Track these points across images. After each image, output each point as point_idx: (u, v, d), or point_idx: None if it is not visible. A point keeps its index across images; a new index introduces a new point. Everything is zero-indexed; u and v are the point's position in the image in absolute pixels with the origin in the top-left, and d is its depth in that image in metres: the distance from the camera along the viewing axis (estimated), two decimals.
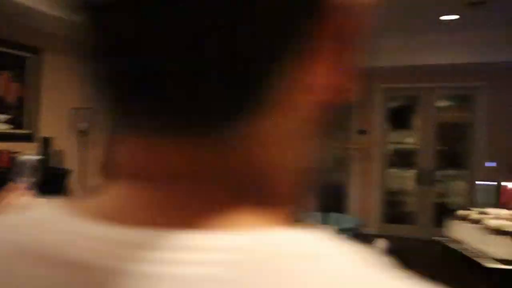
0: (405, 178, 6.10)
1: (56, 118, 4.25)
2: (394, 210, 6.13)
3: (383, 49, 4.44)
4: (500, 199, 3.97)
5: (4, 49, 3.84)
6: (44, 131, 4.08)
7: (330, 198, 6.06)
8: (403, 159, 6.13)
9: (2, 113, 3.78)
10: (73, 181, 4.15)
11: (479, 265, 2.35)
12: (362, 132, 5.73)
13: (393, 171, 6.14)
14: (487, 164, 5.37)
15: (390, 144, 6.15)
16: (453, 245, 2.75)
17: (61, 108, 4.24)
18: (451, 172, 5.92)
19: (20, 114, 4.01)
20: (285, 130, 0.25)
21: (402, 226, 5.92)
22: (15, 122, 3.90)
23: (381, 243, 2.71)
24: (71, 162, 4.30)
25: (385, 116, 6.07)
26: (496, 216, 2.61)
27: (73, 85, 3.98)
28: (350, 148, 5.69)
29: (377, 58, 5.45)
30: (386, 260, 0.23)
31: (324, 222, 5.38)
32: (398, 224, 5.96)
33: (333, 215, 5.97)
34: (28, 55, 4.03)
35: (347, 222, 5.80)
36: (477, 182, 4.76)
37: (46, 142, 3.96)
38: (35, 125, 4.03)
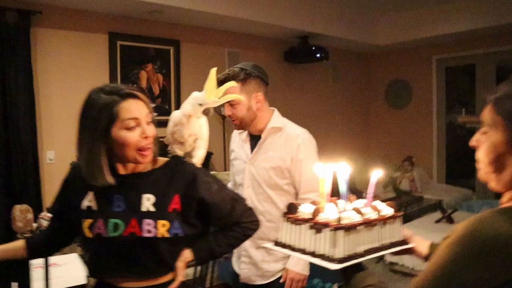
0: None
1: None
2: None
3: None
4: None
5: (148, 45, 4.18)
6: None
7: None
8: None
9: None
10: (214, 161, 4.42)
11: None
12: None
13: None
14: None
15: None
16: None
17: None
18: None
19: (164, 102, 4.37)
20: None
21: None
22: (160, 110, 4.25)
23: None
24: (213, 144, 4.56)
25: None
26: None
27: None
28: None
29: None
30: None
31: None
32: None
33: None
34: (168, 47, 4.34)
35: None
36: None
37: None
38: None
